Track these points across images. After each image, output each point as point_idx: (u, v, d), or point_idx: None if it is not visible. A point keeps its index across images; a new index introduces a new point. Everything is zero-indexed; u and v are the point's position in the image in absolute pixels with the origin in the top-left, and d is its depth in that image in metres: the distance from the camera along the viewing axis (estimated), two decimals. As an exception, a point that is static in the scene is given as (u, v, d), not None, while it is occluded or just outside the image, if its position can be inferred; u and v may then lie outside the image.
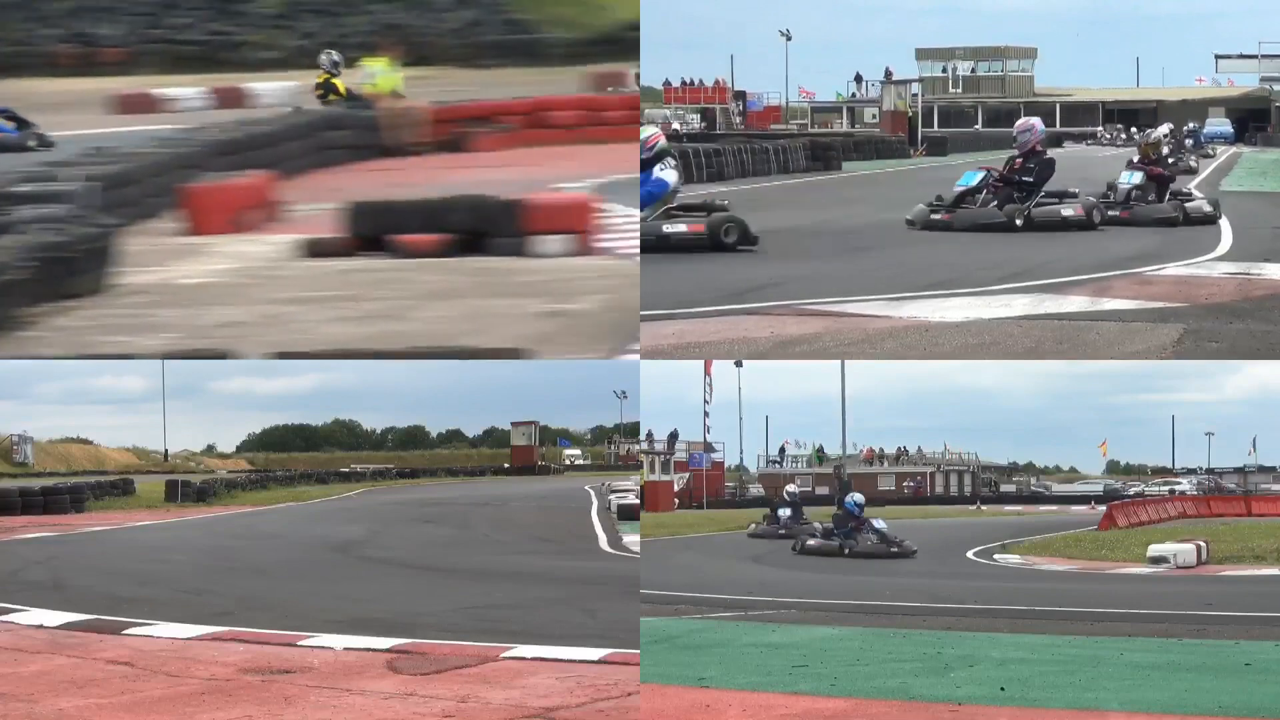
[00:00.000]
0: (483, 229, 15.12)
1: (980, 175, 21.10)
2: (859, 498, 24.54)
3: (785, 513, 29.11)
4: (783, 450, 65.38)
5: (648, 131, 18.69)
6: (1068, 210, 20.28)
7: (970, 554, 22.36)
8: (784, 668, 8.62)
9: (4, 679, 8.42)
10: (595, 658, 8.62)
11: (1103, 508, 37.09)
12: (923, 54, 78.64)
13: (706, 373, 54.22)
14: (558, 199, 16.36)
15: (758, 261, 16.44)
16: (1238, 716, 6.94)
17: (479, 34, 39.76)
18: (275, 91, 30.58)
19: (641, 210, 17.70)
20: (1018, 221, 19.88)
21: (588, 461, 78.11)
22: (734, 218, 17.97)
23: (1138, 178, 21.85)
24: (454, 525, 24.45)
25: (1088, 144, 61.83)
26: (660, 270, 14.73)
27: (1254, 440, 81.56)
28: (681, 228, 17.73)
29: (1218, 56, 75.42)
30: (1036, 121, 21.81)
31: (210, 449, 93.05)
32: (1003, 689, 7.68)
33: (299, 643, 9.46)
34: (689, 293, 13.47)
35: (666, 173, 17.90)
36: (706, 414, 55.13)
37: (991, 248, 17.84)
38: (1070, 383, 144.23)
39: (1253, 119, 71.17)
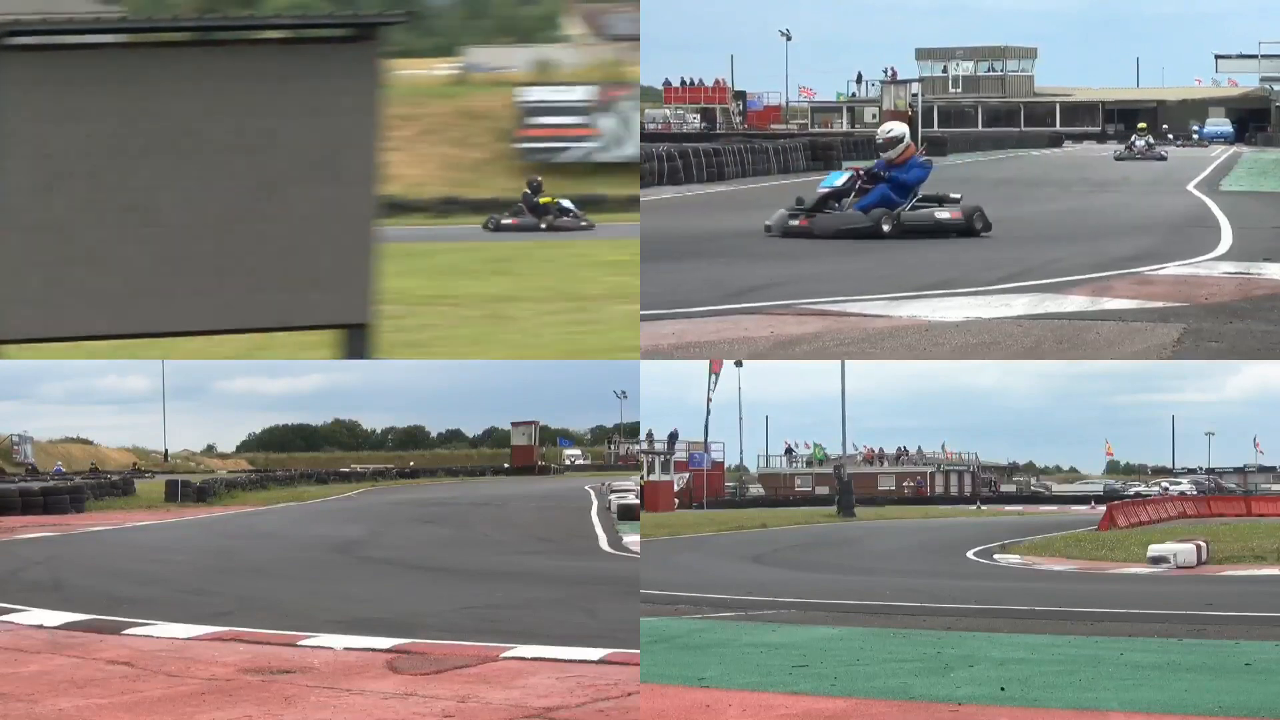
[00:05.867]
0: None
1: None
2: None
3: None
4: (789, 450, 65.28)
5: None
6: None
7: (970, 554, 22.34)
8: (784, 668, 8.61)
9: (4, 679, 8.42)
10: (595, 658, 8.61)
11: (1103, 508, 37.10)
12: (923, 54, 78.75)
13: (713, 371, 53.83)
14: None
15: (758, 262, 16.43)
16: (1238, 716, 6.93)
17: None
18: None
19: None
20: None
21: (588, 461, 78.04)
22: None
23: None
24: (454, 525, 24.41)
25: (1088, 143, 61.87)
26: (659, 270, 14.71)
27: (1255, 439, 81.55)
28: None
29: (1218, 56, 75.50)
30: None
31: (210, 449, 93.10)
32: (1003, 689, 7.67)
33: (299, 643, 9.45)
34: (689, 293, 13.47)
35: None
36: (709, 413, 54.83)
37: (991, 248, 17.82)
38: (1070, 383, 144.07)
39: (1253, 119, 71.29)
